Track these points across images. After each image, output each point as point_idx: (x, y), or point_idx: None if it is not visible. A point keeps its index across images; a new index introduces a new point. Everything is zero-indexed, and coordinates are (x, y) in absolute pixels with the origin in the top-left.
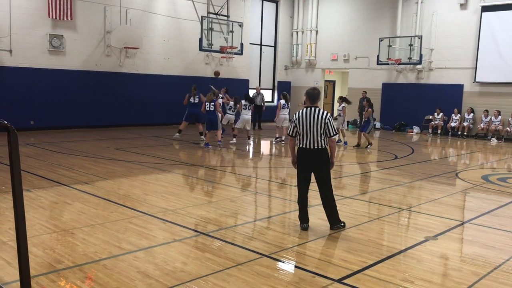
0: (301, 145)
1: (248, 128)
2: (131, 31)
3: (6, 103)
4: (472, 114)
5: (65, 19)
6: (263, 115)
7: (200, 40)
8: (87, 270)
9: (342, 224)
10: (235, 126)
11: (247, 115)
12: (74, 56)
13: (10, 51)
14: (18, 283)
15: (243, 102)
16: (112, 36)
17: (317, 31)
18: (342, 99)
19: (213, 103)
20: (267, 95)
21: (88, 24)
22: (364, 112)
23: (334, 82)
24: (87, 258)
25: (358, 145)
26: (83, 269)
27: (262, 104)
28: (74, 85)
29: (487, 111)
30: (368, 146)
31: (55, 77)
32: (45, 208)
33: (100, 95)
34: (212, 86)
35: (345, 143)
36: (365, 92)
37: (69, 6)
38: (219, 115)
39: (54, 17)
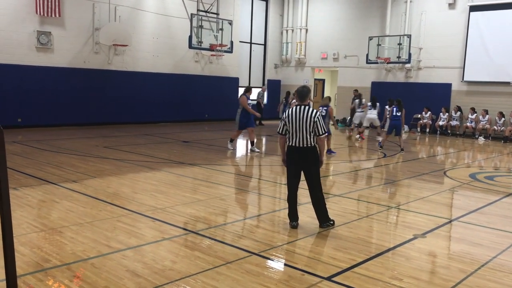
0: (290, 143)
1: (376, 125)
2: (120, 28)
3: None
4: (459, 113)
5: (53, 15)
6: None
7: (190, 37)
8: (75, 269)
9: (331, 222)
10: (364, 125)
11: (372, 114)
12: (62, 53)
13: None
14: (5, 282)
15: (368, 103)
16: (101, 33)
17: (306, 30)
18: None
19: (325, 108)
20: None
21: (76, 21)
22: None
23: (323, 80)
24: (75, 257)
25: (402, 149)
26: (71, 268)
27: (261, 102)
28: (62, 82)
29: (473, 108)
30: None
31: (43, 74)
32: (33, 206)
33: (88, 93)
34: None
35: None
36: (357, 91)
37: (57, 3)
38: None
39: (41, 13)
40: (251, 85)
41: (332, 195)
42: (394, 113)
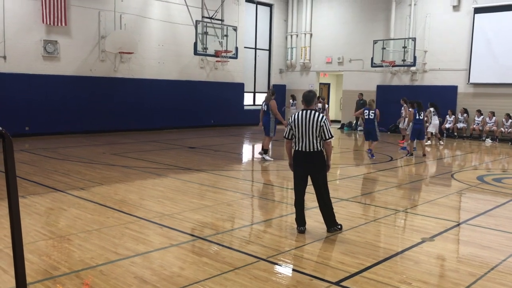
0: (297, 148)
1: (436, 131)
2: (126, 36)
3: (1, 109)
4: (465, 115)
5: (59, 24)
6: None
7: (195, 44)
8: (84, 276)
9: (339, 227)
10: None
11: (436, 120)
12: (68, 62)
13: (4, 57)
14: None
15: (431, 109)
16: (107, 41)
17: (311, 34)
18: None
19: (373, 112)
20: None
21: (82, 30)
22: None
23: (329, 84)
24: (83, 264)
25: (424, 154)
26: (80, 275)
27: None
28: (69, 90)
29: (479, 111)
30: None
31: (50, 82)
32: (41, 214)
33: (95, 101)
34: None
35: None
36: (361, 95)
37: (63, 12)
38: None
39: (48, 22)
40: (256, 90)
41: (339, 199)
42: (417, 117)
